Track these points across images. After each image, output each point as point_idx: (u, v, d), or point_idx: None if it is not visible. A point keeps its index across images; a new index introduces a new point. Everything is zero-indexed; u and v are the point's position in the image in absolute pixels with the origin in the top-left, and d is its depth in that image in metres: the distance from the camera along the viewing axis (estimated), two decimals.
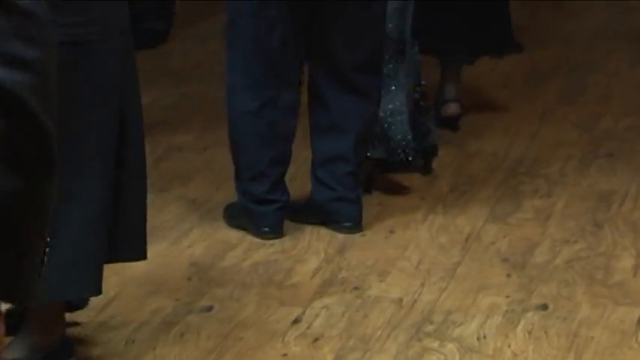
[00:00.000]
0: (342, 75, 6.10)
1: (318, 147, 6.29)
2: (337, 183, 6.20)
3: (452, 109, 7.48)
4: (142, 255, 5.62)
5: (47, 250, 2.26)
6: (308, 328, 5.50)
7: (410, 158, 6.75)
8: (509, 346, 5.25)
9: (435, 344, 5.35)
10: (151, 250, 5.52)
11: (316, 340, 5.37)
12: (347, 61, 6.05)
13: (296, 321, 5.48)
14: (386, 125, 6.72)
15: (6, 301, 2.78)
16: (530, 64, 8.14)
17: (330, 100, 6.21)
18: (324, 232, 6.21)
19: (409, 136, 6.69)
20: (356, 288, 5.71)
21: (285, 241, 6.23)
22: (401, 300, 5.59)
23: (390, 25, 6.68)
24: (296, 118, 6.23)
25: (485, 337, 5.30)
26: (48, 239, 2.31)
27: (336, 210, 6.18)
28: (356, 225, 6.29)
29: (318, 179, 6.24)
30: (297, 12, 5.98)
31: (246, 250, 6.23)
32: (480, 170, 6.74)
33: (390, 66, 6.68)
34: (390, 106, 6.69)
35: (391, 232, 6.19)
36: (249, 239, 6.29)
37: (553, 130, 7.03)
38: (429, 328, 5.45)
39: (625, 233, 5.86)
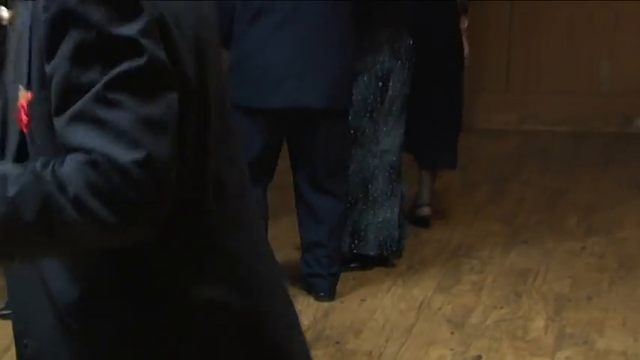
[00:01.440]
0: (317, 180, 6.07)
1: (303, 234, 6.26)
2: (316, 263, 6.21)
3: (425, 211, 7.36)
4: None
5: None
6: None
7: (390, 254, 6.66)
8: None
9: None
10: None
11: None
12: (320, 169, 6.01)
13: None
14: (379, 226, 6.53)
15: None
16: (464, 175, 8.21)
17: (309, 199, 6.19)
18: (312, 300, 6.25)
19: (395, 236, 6.54)
20: (337, 342, 5.79)
21: None
22: (370, 352, 5.69)
23: (394, 158, 6.50)
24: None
25: None
26: None
27: (314, 283, 6.22)
28: (328, 295, 6.27)
29: (303, 258, 6.25)
30: (274, 132, 5.88)
31: None
32: (430, 253, 6.80)
33: (391, 187, 6.50)
34: (388, 215, 6.52)
35: (363, 300, 6.27)
36: None
37: (484, 223, 7.23)
38: None
39: (538, 301, 6.02)
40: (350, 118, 6.26)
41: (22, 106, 2.41)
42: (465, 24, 7.46)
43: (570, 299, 6.14)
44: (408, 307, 6.17)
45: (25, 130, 2.41)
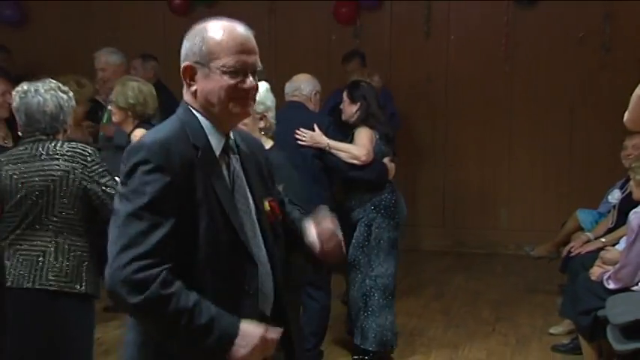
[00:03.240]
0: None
1: None
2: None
3: None
4: None
5: None
6: None
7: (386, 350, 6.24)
8: None
9: None
10: None
11: None
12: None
13: None
14: (378, 330, 6.12)
15: None
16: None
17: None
18: None
19: (389, 337, 6.16)
20: None
21: None
22: None
23: (387, 281, 6.12)
24: None
25: None
26: None
27: None
28: None
29: None
30: None
31: None
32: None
33: (385, 302, 6.10)
34: (383, 322, 6.07)
35: None
36: None
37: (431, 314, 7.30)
38: None
39: None
40: (350, 252, 5.98)
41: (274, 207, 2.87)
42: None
43: None
44: None
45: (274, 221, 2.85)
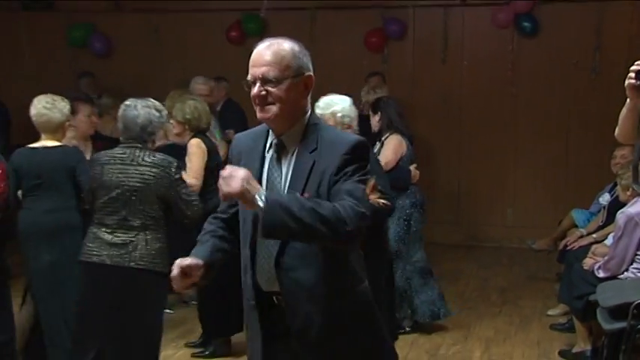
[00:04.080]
0: None
1: None
2: None
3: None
4: None
5: None
6: None
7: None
8: None
9: None
10: None
11: None
12: None
13: None
14: (425, 303, 6.18)
15: None
16: None
17: None
18: None
19: (437, 307, 6.21)
20: None
21: None
22: None
23: (423, 265, 6.20)
24: None
25: None
26: None
27: None
28: None
29: None
30: None
31: None
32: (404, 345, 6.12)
33: (424, 281, 6.19)
34: (429, 295, 6.15)
35: None
36: None
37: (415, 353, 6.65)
38: None
39: None
40: (392, 244, 5.85)
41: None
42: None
43: None
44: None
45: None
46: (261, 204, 2.50)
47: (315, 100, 4.83)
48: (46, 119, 5.07)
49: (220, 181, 2.56)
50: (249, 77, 2.74)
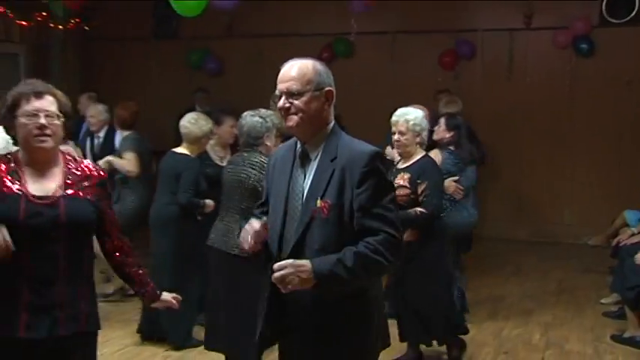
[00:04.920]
0: None
1: None
2: None
3: None
4: None
5: None
6: None
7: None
8: None
9: None
10: None
11: None
12: None
13: None
14: None
15: None
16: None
17: None
18: None
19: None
20: None
21: None
22: None
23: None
24: None
25: None
26: None
27: None
28: None
29: None
30: None
31: None
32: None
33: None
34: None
35: None
36: None
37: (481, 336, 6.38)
38: None
39: None
40: None
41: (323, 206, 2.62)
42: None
43: None
44: None
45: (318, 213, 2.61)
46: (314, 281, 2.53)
47: (394, 109, 4.81)
48: (187, 131, 5.33)
49: (277, 280, 2.54)
50: (277, 92, 2.71)
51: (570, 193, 9.38)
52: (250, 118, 4.47)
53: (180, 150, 5.40)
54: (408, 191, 4.54)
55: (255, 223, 2.85)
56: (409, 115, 4.65)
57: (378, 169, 2.63)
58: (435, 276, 4.71)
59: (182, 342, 5.33)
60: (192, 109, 6.77)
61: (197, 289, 5.18)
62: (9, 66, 9.07)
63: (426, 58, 9.57)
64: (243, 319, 4.29)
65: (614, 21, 8.84)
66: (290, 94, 2.66)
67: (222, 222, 4.54)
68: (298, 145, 2.77)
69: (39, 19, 9.50)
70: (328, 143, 2.69)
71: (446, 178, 5.44)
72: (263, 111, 4.54)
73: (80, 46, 10.49)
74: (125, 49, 10.75)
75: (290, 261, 2.53)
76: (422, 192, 4.54)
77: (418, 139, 4.61)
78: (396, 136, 4.68)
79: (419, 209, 4.50)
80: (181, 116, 5.51)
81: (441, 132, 5.84)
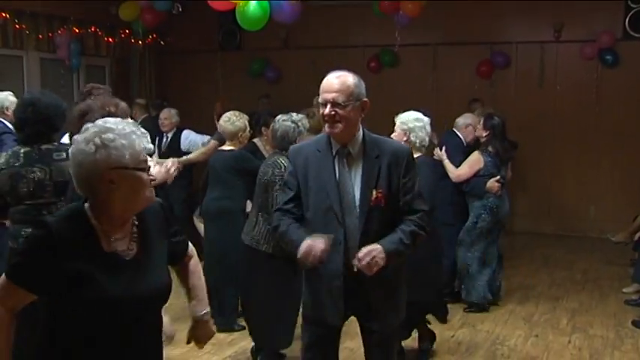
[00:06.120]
0: None
1: None
2: None
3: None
4: None
5: None
6: None
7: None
8: None
9: None
10: None
11: None
12: None
13: None
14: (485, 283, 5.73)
15: None
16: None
17: None
18: None
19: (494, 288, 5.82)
20: None
21: None
22: None
23: (480, 254, 5.68)
24: None
25: None
26: None
27: None
28: None
29: None
30: None
31: None
32: (480, 339, 5.23)
33: (480, 268, 5.70)
34: (481, 282, 5.70)
35: None
36: None
37: (514, 320, 6.31)
38: None
39: None
40: (460, 234, 5.69)
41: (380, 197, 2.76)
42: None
43: None
44: None
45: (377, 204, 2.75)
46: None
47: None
48: (222, 129, 5.30)
49: (364, 265, 2.70)
50: (320, 100, 2.81)
51: (595, 192, 9.23)
52: (283, 122, 4.34)
53: (226, 147, 5.30)
54: None
55: (321, 243, 2.70)
56: (402, 115, 4.42)
57: (413, 161, 2.90)
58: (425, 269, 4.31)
59: (230, 324, 5.25)
60: (255, 113, 6.85)
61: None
62: (97, 77, 9.40)
63: (465, 68, 9.53)
64: (268, 306, 4.27)
65: (636, 35, 8.77)
66: (335, 104, 2.76)
67: (249, 218, 4.52)
68: (335, 147, 2.84)
69: (122, 35, 9.87)
70: (366, 144, 2.83)
71: (488, 179, 5.61)
72: (294, 115, 4.41)
73: (155, 59, 10.74)
74: (194, 60, 10.92)
75: (369, 248, 2.69)
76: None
77: (405, 138, 4.30)
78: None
79: None
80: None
81: (480, 130, 5.84)
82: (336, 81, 2.79)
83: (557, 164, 9.41)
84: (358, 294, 2.83)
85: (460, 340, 5.24)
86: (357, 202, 2.77)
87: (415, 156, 4.25)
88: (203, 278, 2.40)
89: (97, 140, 1.89)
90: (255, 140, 6.02)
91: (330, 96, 2.77)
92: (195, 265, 2.38)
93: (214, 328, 2.44)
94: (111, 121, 1.95)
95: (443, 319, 5.16)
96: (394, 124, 4.39)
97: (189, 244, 2.36)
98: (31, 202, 3.32)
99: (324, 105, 2.78)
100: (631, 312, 5.92)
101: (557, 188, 9.45)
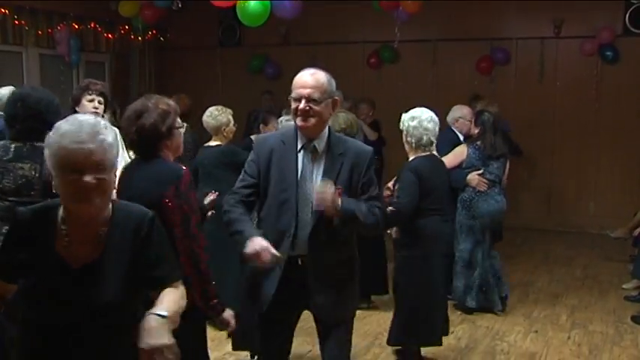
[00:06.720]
0: None
1: None
2: None
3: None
4: None
5: None
6: None
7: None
8: None
9: None
10: None
11: None
12: None
13: None
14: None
15: None
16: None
17: None
18: None
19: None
20: None
21: None
22: None
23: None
24: None
25: None
26: None
27: None
28: None
29: None
30: None
31: None
32: (479, 335, 5.23)
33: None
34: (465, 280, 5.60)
35: None
36: None
37: (512, 317, 6.13)
38: None
39: None
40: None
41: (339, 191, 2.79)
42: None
43: None
44: None
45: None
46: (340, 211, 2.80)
47: (435, 111, 4.70)
48: (205, 125, 5.28)
49: (318, 197, 2.78)
50: (293, 95, 2.87)
51: (595, 188, 9.22)
52: (287, 123, 4.34)
53: (212, 143, 5.27)
54: (388, 193, 4.33)
55: (263, 241, 2.74)
56: (404, 115, 4.42)
57: (373, 163, 2.97)
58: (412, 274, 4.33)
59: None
60: (254, 110, 6.82)
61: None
62: (97, 73, 9.41)
63: (465, 64, 9.52)
64: None
65: (636, 31, 8.77)
66: (311, 100, 2.83)
67: None
68: (301, 142, 2.90)
69: (122, 32, 9.87)
70: (331, 141, 2.91)
71: (470, 172, 5.52)
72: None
73: (155, 55, 10.73)
74: (194, 56, 10.91)
75: (329, 187, 2.76)
76: (393, 192, 4.32)
77: (405, 139, 4.34)
78: None
79: (390, 207, 4.11)
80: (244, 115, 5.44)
81: (472, 128, 5.82)
82: (311, 78, 2.87)
83: (556, 160, 9.40)
84: (297, 283, 2.87)
85: (460, 336, 5.23)
86: (314, 197, 2.81)
87: (411, 158, 4.28)
88: (181, 302, 2.03)
89: (48, 141, 1.93)
90: (253, 137, 5.98)
91: (305, 92, 2.84)
92: (173, 291, 2.03)
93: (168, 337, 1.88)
94: (63, 125, 1.92)
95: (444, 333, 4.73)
96: (396, 121, 4.38)
97: (179, 279, 2.08)
98: (16, 200, 3.10)
99: (299, 100, 2.85)
100: (630, 308, 5.92)
101: (556, 184, 9.44)
